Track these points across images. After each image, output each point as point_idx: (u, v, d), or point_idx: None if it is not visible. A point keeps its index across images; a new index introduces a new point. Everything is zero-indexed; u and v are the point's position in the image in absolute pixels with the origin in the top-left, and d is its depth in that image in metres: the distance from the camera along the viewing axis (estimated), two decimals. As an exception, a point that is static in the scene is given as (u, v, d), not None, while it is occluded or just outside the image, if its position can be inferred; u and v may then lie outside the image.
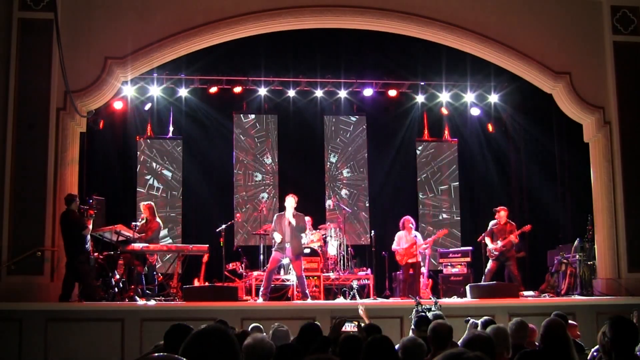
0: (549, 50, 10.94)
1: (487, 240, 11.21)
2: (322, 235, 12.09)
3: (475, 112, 14.54)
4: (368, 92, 13.99)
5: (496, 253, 11.04)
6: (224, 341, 2.31)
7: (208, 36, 10.46)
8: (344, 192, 14.78)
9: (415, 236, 11.61)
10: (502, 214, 11.24)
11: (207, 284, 10.96)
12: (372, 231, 12.70)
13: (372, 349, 3.91)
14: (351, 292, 10.95)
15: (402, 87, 14.20)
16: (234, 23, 10.43)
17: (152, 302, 9.40)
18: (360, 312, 6.96)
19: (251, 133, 14.69)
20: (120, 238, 10.12)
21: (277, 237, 10.02)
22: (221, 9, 10.38)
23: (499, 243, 11.03)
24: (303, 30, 11.10)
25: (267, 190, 14.53)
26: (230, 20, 10.40)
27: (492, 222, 11.32)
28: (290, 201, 10.08)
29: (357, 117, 14.92)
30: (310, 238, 11.74)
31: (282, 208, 10.58)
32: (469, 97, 14.39)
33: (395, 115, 14.65)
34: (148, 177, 14.23)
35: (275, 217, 10.54)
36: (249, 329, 5.76)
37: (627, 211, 10.48)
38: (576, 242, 10.79)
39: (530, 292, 10.66)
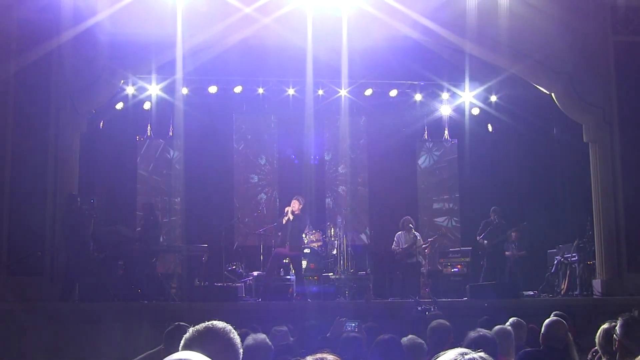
0: (549, 50, 10.93)
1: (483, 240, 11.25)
2: (322, 235, 12.10)
3: (475, 112, 14.54)
4: (368, 92, 13.98)
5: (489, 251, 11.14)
6: (224, 338, 2.27)
7: (208, 36, 10.44)
8: (341, 189, 14.78)
9: (415, 236, 11.61)
10: (495, 212, 11.29)
11: (207, 284, 10.96)
12: (372, 231, 12.69)
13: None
14: (351, 292, 10.94)
15: (402, 87, 14.19)
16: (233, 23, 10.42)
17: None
18: None
19: (251, 133, 14.67)
20: (121, 238, 10.11)
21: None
22: (221, 9, 10.37)
23: (494, 241, 11.15)
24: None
25: (266, 191, 14.53)
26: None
27: (485, 222, 11.34)
28: (294, 204, 10.03)
29: (358, 117, 14.90)
30: (310, 238, 11.73)
31: (282, 209, 10.58)
32: (469, 97, 14.39)
33: (395, 115, 14.64)
34: (148, 177, 14.22)
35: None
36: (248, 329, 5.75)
37: (627, 211, 10.47)
38: (576, 242, 10.79)
39: (530, 292, 10.66)
